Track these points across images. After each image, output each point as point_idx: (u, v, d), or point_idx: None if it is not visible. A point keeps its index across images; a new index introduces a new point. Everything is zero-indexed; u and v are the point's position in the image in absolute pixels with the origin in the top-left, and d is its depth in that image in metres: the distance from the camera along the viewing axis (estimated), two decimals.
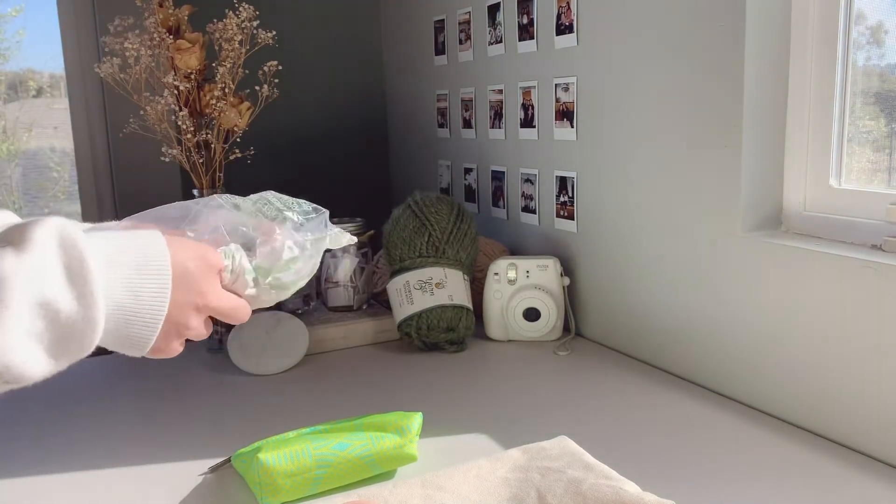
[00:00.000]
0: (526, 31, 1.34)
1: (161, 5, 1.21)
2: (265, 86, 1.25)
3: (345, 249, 1.31)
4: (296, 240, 0.65)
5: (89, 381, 1.13)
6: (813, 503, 0.73)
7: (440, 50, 1.64)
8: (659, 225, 1.10)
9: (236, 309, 0.62)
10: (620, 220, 1.17)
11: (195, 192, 1.25)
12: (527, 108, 1.36)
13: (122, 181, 1.63)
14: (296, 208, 0.67)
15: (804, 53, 0.94)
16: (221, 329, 1.24)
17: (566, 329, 1.30)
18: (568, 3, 1.22)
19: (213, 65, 1.23)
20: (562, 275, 1.25)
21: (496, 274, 1.25)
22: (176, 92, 1.21)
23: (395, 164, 1.94)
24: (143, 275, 0.53)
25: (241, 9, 1.21)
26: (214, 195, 0.66)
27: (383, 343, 1.28)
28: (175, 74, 1.21)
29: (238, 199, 0.66)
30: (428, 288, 1.21)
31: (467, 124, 1.57)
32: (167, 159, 1.23)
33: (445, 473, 0.77)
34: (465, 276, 1.26)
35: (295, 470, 0.75)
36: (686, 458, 0.83)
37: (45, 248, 0.48)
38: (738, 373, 0.99)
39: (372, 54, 1.91)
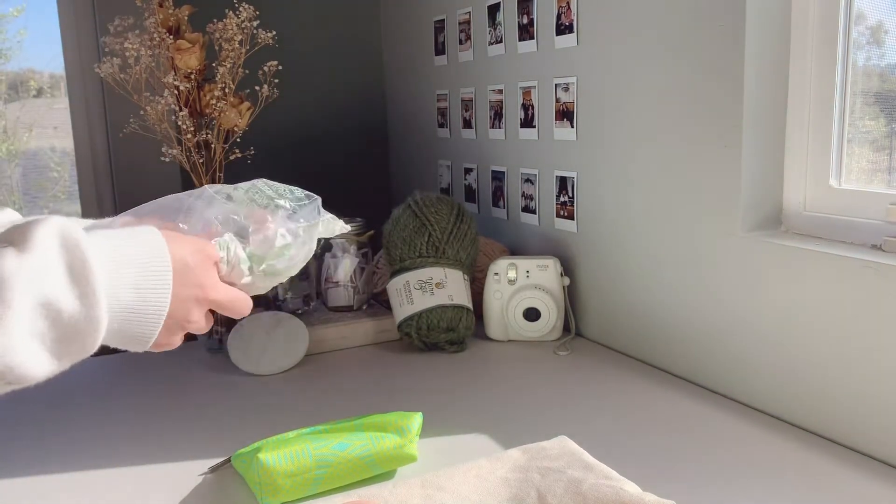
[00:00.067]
0: (526, 31, 1.34)
1: (161, 5, 1.21)
2: (265, 86, 1.25)
3: (345, 249, 1.31)
4: (288, 227, 0.66)
5: (89, 381, 1.13)
6: (812, 503, 0.73)
7: (440, 50, 1.64)
8: (659, 225, 1.10)
9: (235, 301, 0.63)
10: (620, 220, 1.17)
11: None
12: (527, 108, 1.36)
13: (122, 181, 1.63)
14: (288, 195, 0.68)
15: (804, 53, 0.94)
16: (221, 329, 1.24)
17: (566, 329, 1.30)
18: (568, 3, 1.22)
19: (213, 65, 1.23)
20: (562, 275, 1.25)
21: (496, 274, 1.25)
22: (176, 92, 1.21)
23: (395, 164, 1.94)
24: (145, 273, 0.53)
25: (241, 9, 1.21)
26: (206, 186, 0.66)
27: (383, 343, 1.28)
28: (175, 74, 1.21)
29: (229, 189, 0.67)
30: (428, 288, 1.21)
31: (467, 124, 1.57)
32: (167, 159, 1.23)
33: (445, 473, 0.77)
34: (465, 276, 1.26)
35: (295, 470, 0.75)
36: (686, 457, 0.83)
37: (46, 249, 0.48)
38: (737, 373, 0.99)
39: (372, 54, 1.91)
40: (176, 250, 0.57)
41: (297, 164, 1.84)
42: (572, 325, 1.28)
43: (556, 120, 1.29)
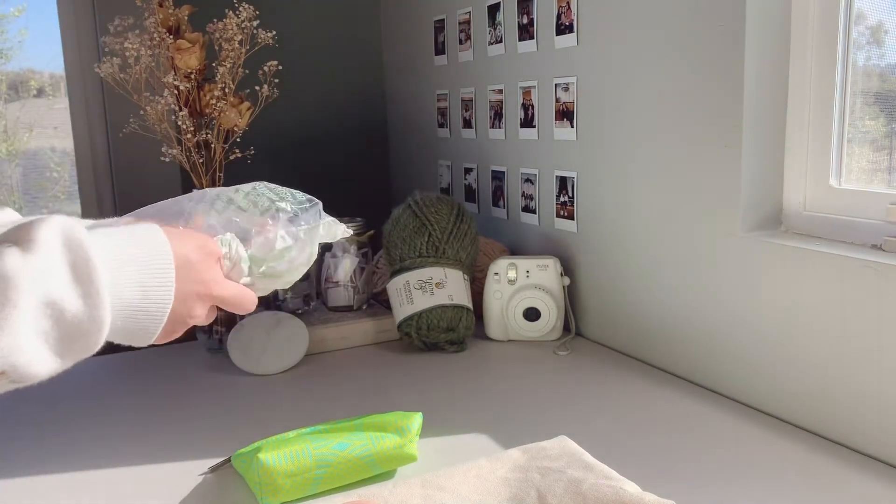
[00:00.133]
0: (526, 31, 1.34)
1: (161, 5, 1.21)
2: (265, 86, 1.25)
3: (345, 249, 1.31)
4: (289, 230, 0.66)
5: (89, 381, 1.13)
6: (812, 503, 0.73)
7: (440, 50, 1.64)
8: (659, 225, 1.10)
9: (239, 296, 0.63)
10: (620, 220, 1.17)
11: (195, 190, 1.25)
12: (527, 108, 1.36)
13: (122, 181, 1.63)
14: (289, 199, 0.68)
15: (804, 53, 0.94)
16: (221, 329, 1.24)
17: (566, 329, 1.30)
18: (568, 3, 1.22)
19: (213, 65, 1.23)
20: (562, 275, 1.25)
21: (496, 274, 1.25)
22: (176, 92, 1.21)
23: (395, 164, 1.94)
24: (148, 270, 0.54)
25: (241, 9, 1.21)
26: (206, 190, 0.66)
27: (383, 343, 1.28)
28: (175, 74, 1.21)
29: (230, 192, 0.67)
30: (428, 288, 1.21)
31: (467, 124, 1.57)
32: (167, 159, 1.23)
33: (445, 473, 0.77)
34: (465, 276, 1.26)
35: (295, 470, 0.75)
36: (686, 457, 0.83)
37: (50, 248, 0.48)
38: (737, 373, 0.99)
39: (372, 54, 1.91)
40: (178, 247, 0.57)
41: (297, 164, 1.84)
42: (572, 325, 1.28)
43: (556, 120, 1.29)
